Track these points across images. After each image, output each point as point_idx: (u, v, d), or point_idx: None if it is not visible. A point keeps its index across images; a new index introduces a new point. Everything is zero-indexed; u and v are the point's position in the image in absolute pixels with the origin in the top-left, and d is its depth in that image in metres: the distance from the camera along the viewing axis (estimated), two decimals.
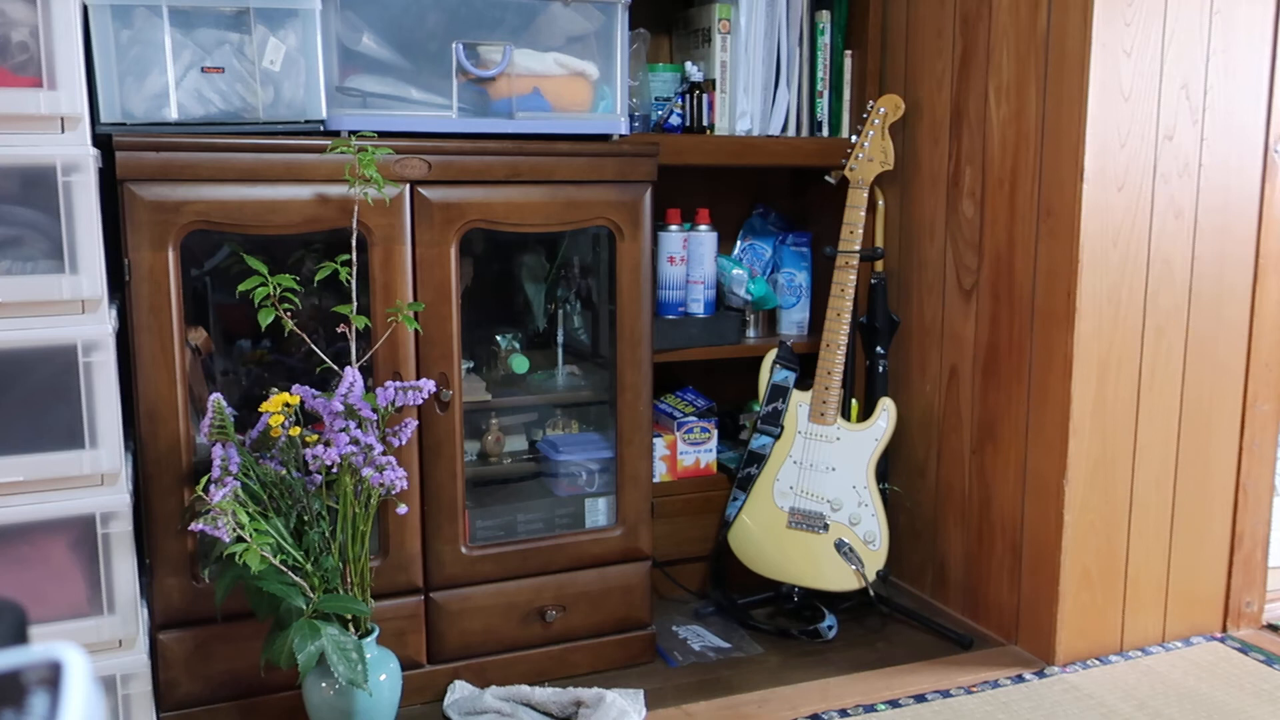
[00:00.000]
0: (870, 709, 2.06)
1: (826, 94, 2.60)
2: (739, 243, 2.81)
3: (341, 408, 1.72)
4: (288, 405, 1.73)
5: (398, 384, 1.82)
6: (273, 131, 1.87)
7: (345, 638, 1.71)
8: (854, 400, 2.60)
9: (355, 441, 1.72)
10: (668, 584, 2.55)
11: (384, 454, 1.76)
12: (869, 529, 2.39)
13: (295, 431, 1.74)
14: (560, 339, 2.42)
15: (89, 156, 1.69)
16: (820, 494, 2.41)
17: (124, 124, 1.79)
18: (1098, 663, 2.26)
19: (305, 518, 1.78)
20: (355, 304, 1.81)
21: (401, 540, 2.02)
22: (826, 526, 2.41)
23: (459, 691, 2.07)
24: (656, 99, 2.49)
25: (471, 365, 2.30)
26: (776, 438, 2.46)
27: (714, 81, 2.49)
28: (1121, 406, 2.22)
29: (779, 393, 2.47)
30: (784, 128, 2.57)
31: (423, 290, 1.97)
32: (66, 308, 1.70)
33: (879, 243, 2.63)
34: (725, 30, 2.48)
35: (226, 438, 1.73)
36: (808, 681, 2.17)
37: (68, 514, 1.74)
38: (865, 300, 2.59)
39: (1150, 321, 2.22)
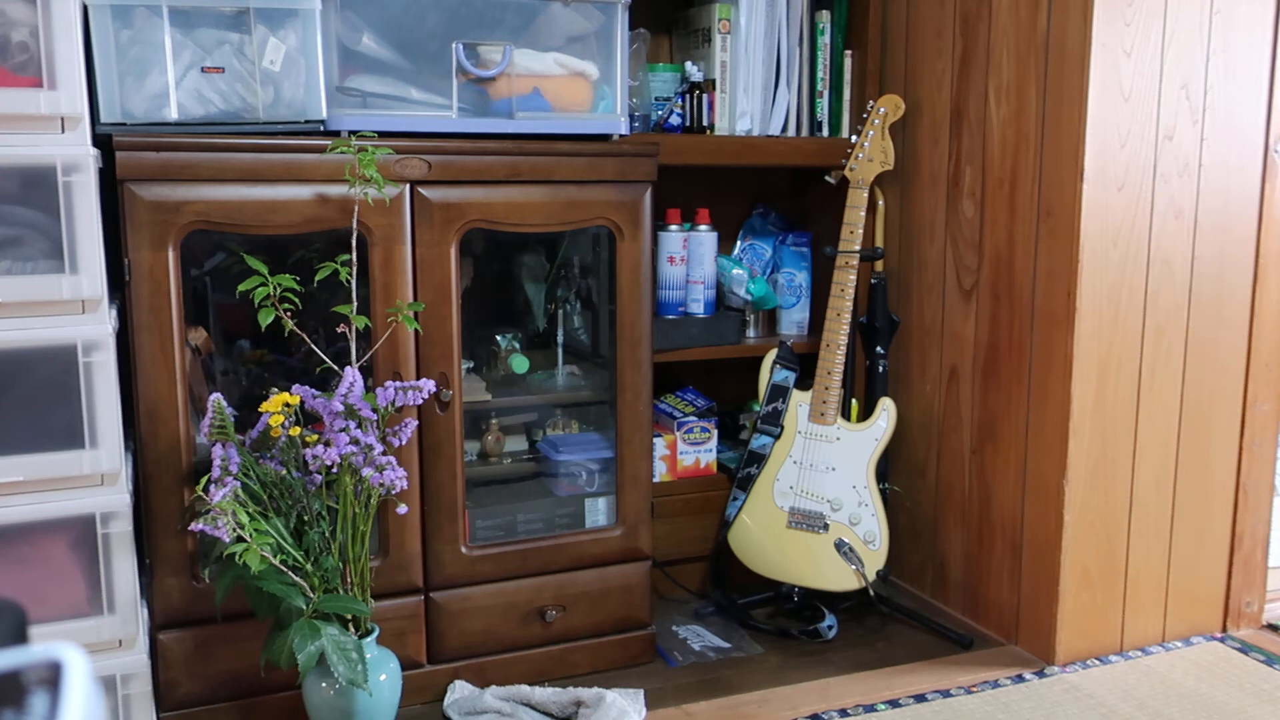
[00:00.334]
0: (870, 709, 2.06)
1: (826, 94, 2.60)
2: (739, 243, 2.81)
3: (341, 408, 1.72)
4: (288, 405, 1.73)
5: (398, 384, 1.82)
6: (273, 131, 1.87)
7: (345, 638, 1.71)
8: (854, 400, 2.60)
9: (355, 441, 1.72)
10: (668, 584, 2.55)
11: (384, 454, 1.76)
12: (869, 529, 2.39)
13: (295, 431, 1.74)
14: (560, 339, 2.42)
15: (89, 156, 1.69)
16: (820, 494, 2.42)
17: (124, 124, 1.79)
18: (1098, 663, 2.26)
19: (305, 518, 1.78)
20: (355, 304, 1.81)
21: (401, 540, 2.02)
22: (826, 526, 2.41)
23: (459, 691, 2.07)
24: (656, 99, 2.49)
25: (471, 365, 2.31)
26: (776, 438, 2.46)
27: (714, 81, 2.49)
28: (1121, 406, 2.22)
29: (779, 393, 2.47)
30: (784, 128, 2.57)
31: (423, 290, 1.97)
32: (66, 308, 1.70)
33: (879, 243, 2.63)
34: (725, 30, 2.48)
35: (226, 438, 1.73)
36: (808, 681, 2.17)
37: (68, 514, 1.74)
38: (865, 300, 2.59)
39: (1150, 321, 2.22)
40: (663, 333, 2.45)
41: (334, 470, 1.75)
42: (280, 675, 1.93)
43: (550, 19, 2.08)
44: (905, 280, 2.60)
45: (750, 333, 2.71)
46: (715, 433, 2.59)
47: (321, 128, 1.91)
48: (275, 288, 1.74)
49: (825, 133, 2.61)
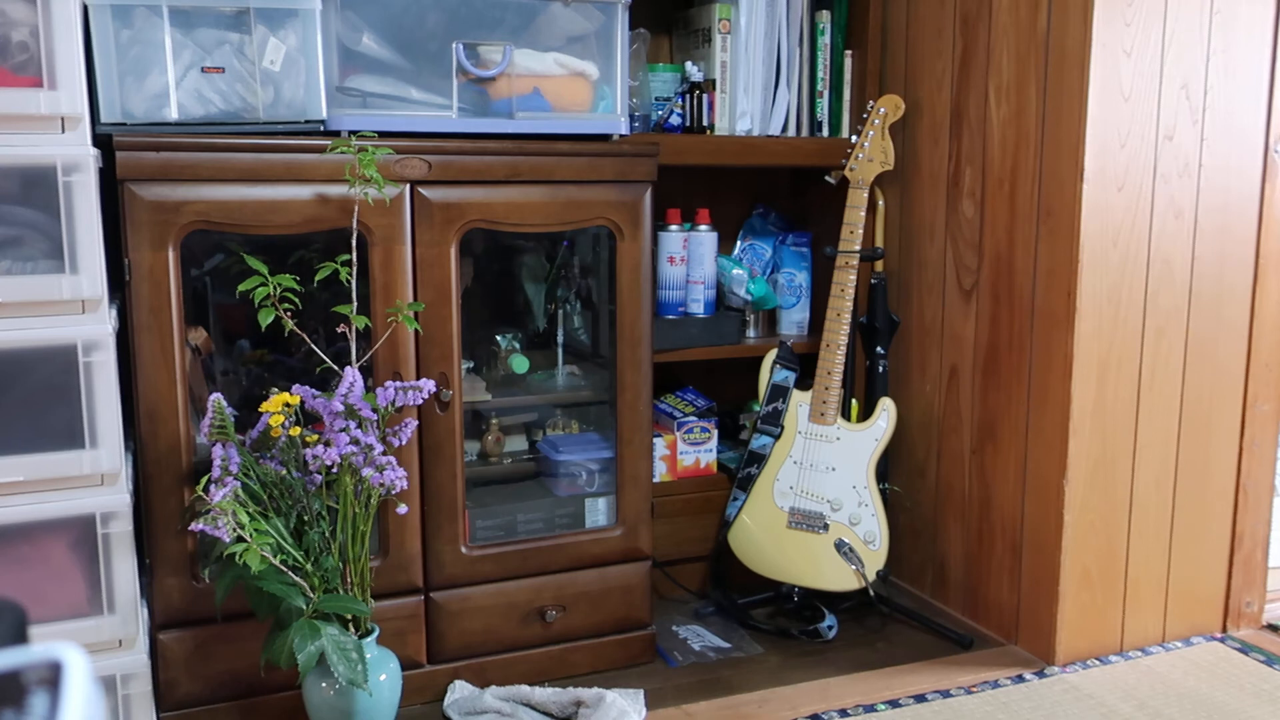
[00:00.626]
0: (870, 709, 2.06)
1: (826, 94, 2.60)
2: (739, 243, 2.81)
3: (341, 408, 1.73)
4: (288, 405, 1.73)
5: (398, 384, 1.82)
6: (273, 131, 1.87)
7: (345, 638, 1.71)
8: (854, 400, 2.60)
9: (355, 441, 1.72)
10: (668, 584, 2.55)
11: (384, 454, 1.76)
12: (869, 529, 2.39)
13: (295, 431, 1.74)
14: (560, 339, 2.42)
15: (89, 156, 1.69)
16: (820, 494, 2.41)
17: (124, 124, 1.79)
18: (1098, 663, 2.26)
19: (305, 518, 1.78)
20: (355, 304, 1.81)
21: (401, 540, 2.02)
22: (826, 526, 2.41)
23: (459, 691, 2.07)
24: (656, 99, 2.49)
25: (471, 365, 2.31)
26: (776, 438, 2.46)
27: (714, 81, 2.49)
28: (1121, 406, 2.22)
29: (779, 393, 2.47)
30: (784, 128, 2.57)
31: (423, 290, 1.97)
32: (66, 308, 1.70)
33: (879, 243, 2.63)
34: (725, 30, 2.48)
35: (226, 438, 1.73)
36: (808, 681, 2.17)
37: (68, 514, 1.74)
38: (865, 300, 2.59)
39: (1150, 322, 2.22)
40: (663, 333, 2.45)
41: (334, 470, 1.75)
42: (280, 675, 1.93)
43: (550, 19, 2.08)
44: (905, 280, 2.60)
45: (750, 333, 2.71)
46: (715, 433, 2.59)
47: (321, 128, 1.91)
48: (275, 288, 1.74)
49: (825, 133, 2.61)
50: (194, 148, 1.80)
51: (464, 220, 1.99)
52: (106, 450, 1.74)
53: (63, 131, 1.68)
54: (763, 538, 2.46)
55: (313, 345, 1.86)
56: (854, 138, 2.45)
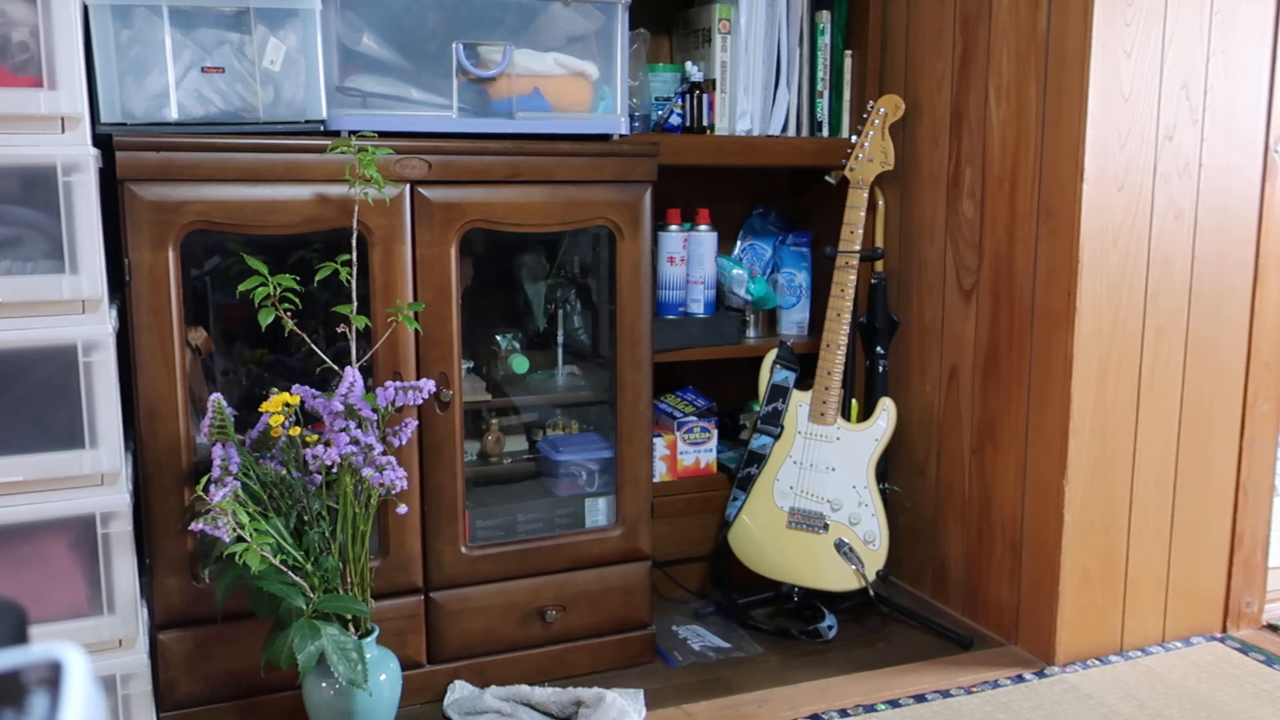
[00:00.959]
0: (870, 709, 2.06)
1: (826, 94, 2.60)
2: (739, 243, 2.81)
3: (341, 408, 1.72)
4: (288, 405, 1.73)
5: (398, 384, 1.82)
6: (273, 131, 1.87)
7: (345, 638, 1.71)
8: (854, 400, 2.60)
9: (355, 441, 1.72)
10: (668, 584, 2.55)
11: (384, 454, 1.76)
12: (869, 529, 2.39)
13: (295, 431, 1.74)
14: (560, 339, 2.42)
15: (89, 156, 1.69)
16: (820, 494, 2.41)
17: (124, 124, 1.79)
18: (1098, 663, 2.26)
19: (305, 518, 1.78)
20: (355, 304, 1.81)
21: (401, 540, 2.02)
22: (826, 526, 2.41)
23: (459, 691, 2.07)
24: (656, 99, 2.49)
25: (471, 365, 2.31)
26: (776, 438, 2.46)
27: (714, 81, 2.49)
28: (1121, 406, 2.22)
29: (779, 393, 2.47)
30: (784, 128, 2.57)
31: (423, 290, 1.97)
32: (66, 308, 1.70)
33: (879, 243, 2.63)
34: (725, 30, 2.48)
35: (226, 438, 1.73)
36: (808, 681, 2.17)
37: (68, 514, 1.74)
38: (865, 300, 2.59)
39: (1150, 322, 2.22)
40: (663, 333, 2.45)
41: (334, 470, 1.75)
42: (280, 675, 1.93)
43: (550, 19, 2.08)
44: (905, 280, 2.60)
45: (750, 333, 2.71)
46: (715, 433, 2.59)
47: (321, 128, 1.91)
48: (275, 288, 1.74)
49: (825, 133, 2.61)
50: (194, 148, 1.80)
51: (464, 220, 1.99)
52: (106, 450, 1.74)
53: (63, 131, 1.68)
54: (763, 538, 2.46)
55: (313, 345, 1.86)
56: (854, 138, 2.45)
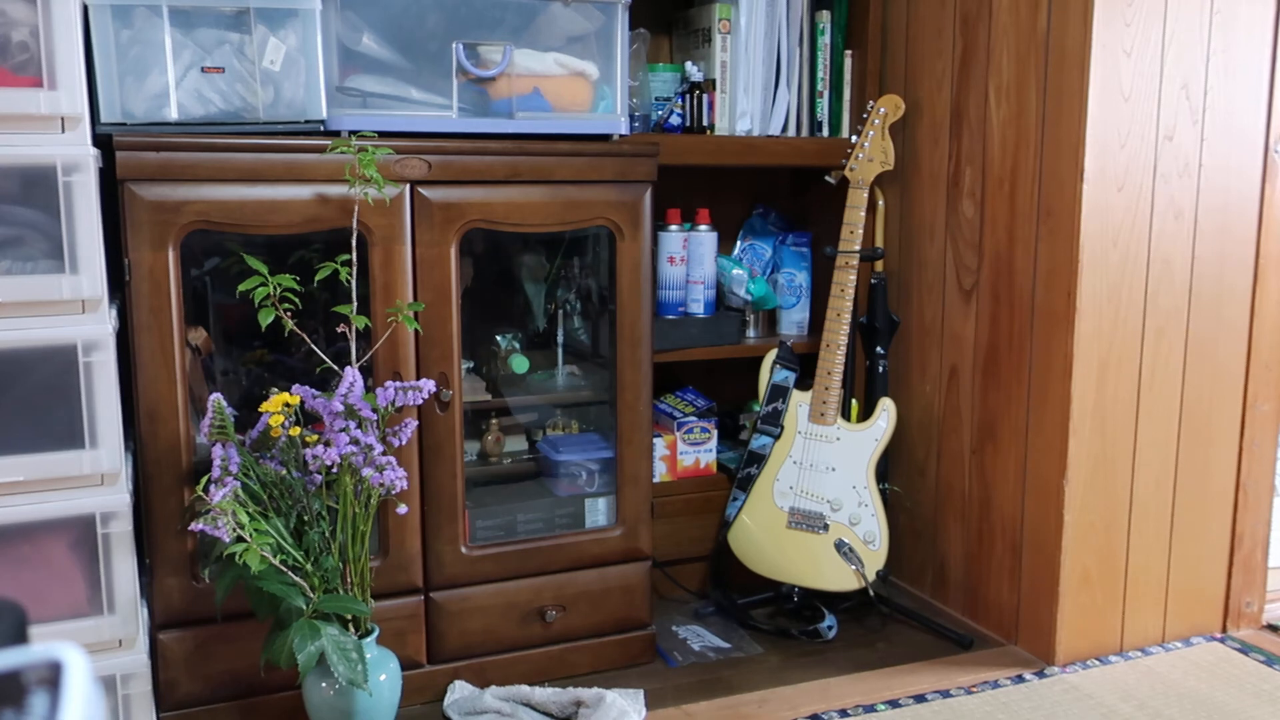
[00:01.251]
0: (870, 709, 2.06)
1: (826, 94, 2.60)
2: (739, 243, 2.81)
3: (341, 408, 1.72)
4: (288, 405, 1.73)
5: (398, 384, 1.82)
6: (273, 131, 1.87)
7: (345, 638, 1.71)
8: (854, 400, 2.60)
9: (355, 441, 1.72)
10: (668, 584, 2.55)
11: (384, 454, 1.76)
12: (869, 529, 2.39)
13: (295, 431, 1.74)
14: (560, 339, 2.42)
15: (89, 156, 1.69)
16: (820, 494, 2.41)
17: (124, 124, 1.79)
18: (1098, 663, 2.26)
19: (305, 518, 1.78)
20: (355, 304, 1.81)
21: (401, 540, 2.02)
22: (826, 526, 2.41)
23: (459, 691, 2.07)
24: (656, 99, 2.49)
25: (471, 365, 2.31)
26: (776, 438, 2.46)
27: (714, 81, 2.49)
28: (1121, 406, 2.22)
29: (779, 393, 2.47)
30: (784, 128, 2.57)
31: (423, 290, 1.97)
32: (66, 308, 1.70)
33: (879, 243, 2.63)
34: (725, 30, 2.48)
35: (226, 438, 1.73)
36: (808, 681, 2.17)
37: (68, 514, 1.74)
38: (865, 300, 2.59)
39: (1150, 322, 2.22)
40: (663, 333, 2.45)
41: (334, 470, 1.75)
42: (280, 675, 1.93)
43: (550, 19, 2.08)
44: (905, 280, 2.60)
45: (750, 333, 2.71)
46: (715, 433, 2.59)
47: (321, 128, 1.91)
48: (275, 288, 1.74)
49: (825, 133, 2.61)
50: (194, 148, 1.80)
51: (464, 220, 1.99)
52: (106, 450, 1.74)
53: (63, 131, 1.68)
54: (763, 538, 2.46)
55: (313, 345, 1.86)
56: (854, 138, 2.45)
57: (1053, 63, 2.15)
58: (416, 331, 1.98)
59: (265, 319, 1.73)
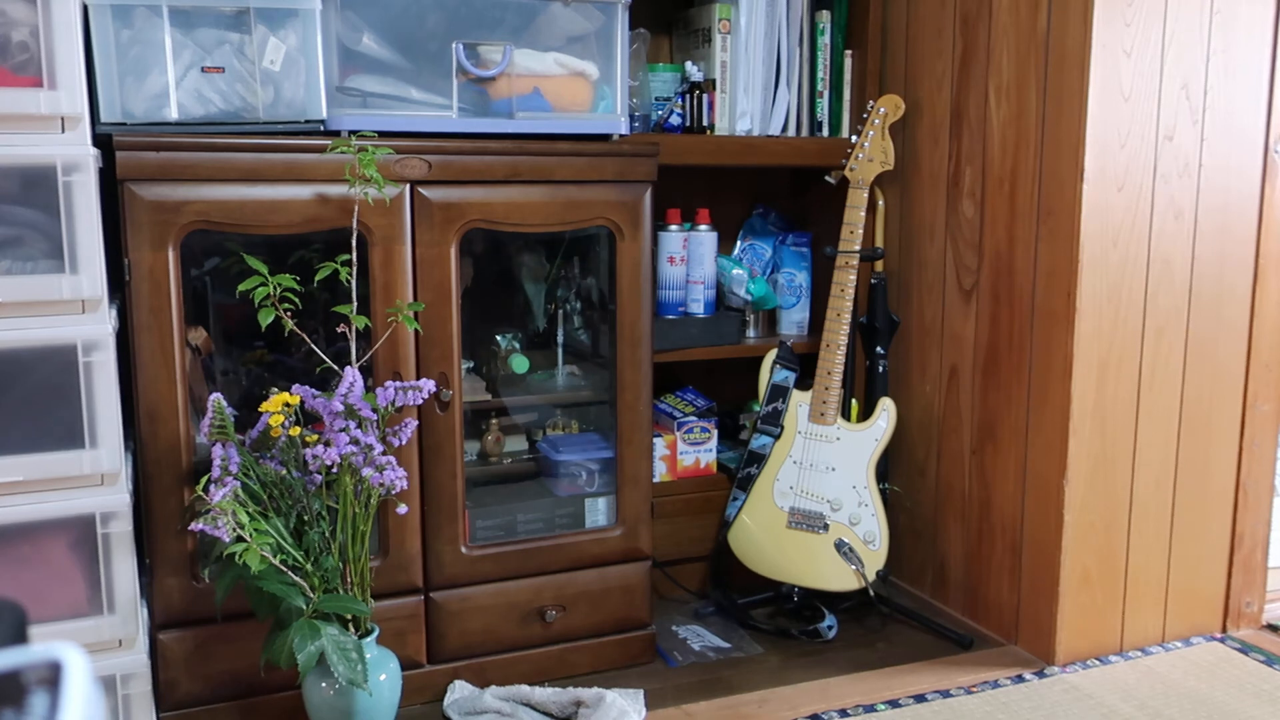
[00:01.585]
0: (870, 709, 2.06)
1: (826, 94, 2.60)
2: (739, 243, 2.81)
3: (341, 408, 1.72)
4: (288, 405, 1.73)
5: (398, 384, 1.82)
6: (273, 131, 1.87)
7: (345, 638, 1.71)
8: (854, 400, 2.60)
9: (355, 441, 1.72)
10: (668, 584, 2.55)
11: (384, 454, 1.76)
12: (869, 529, 2.39)
13: (295, 431, 1.74)
14: (560, 339, 2.42)
15: (89, 156, 1.69)
16: (820, 494, 2.41)
17: (124, 124, 1.79)
18: (1098, 663, 2.26)
19: (305, 518, 1.78)
20: (355, 304, 1.81)
21: (401, 540, 2.02)
22: (826, 526, 2.41)
23: (459, 691, 2.07)
24: (656, 99, 2.49)
25: (471, 365, 2.30)
26: (776, 438, 2.46)
27: (714, 81, 2.49)
28: (1121, 406, 2.22)
29: (779, 393, 2.47)
30: (784, 128, 2.57)
31: (423, 290, 1.97)
32: (66, 308, 1.70)
33: (879, 243, 2.63)
34: (725, 30, 2.48)
35: (226, 438, 1.73)
36: (808, 681, 2.17)
37: (68, 514, 1.74)
38: (865, 300, 2.59)
39: (1150, 322, 2.22)
40: (663, 333, 2.45)
41: (334, 470, 1.75)
42: (280, 675, 1.93)
43: (550, 19, 2.08)
44: (905, 280, 2.60)
45: (750, 333, 2.71)
46: (715, 433, 2.59)
47: (321, 128, 1.91)
48: (275, 288, 1.74)
49: (825, 133, 2.61)
50: (194, 148, 1.80)
51: (464, 220, 1.99)
52: (106, 450, 1.74)
53: (63, 131, 1.68)
54: (763, 538, 2.46)
55: (313, 345, 1.86)
56: (854, 138, 2.45)
57: (1053, 63, 2.15)
58: (416, 331, 1.98)
59: (265, 319, 1.73)
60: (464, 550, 2.08)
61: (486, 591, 2.11)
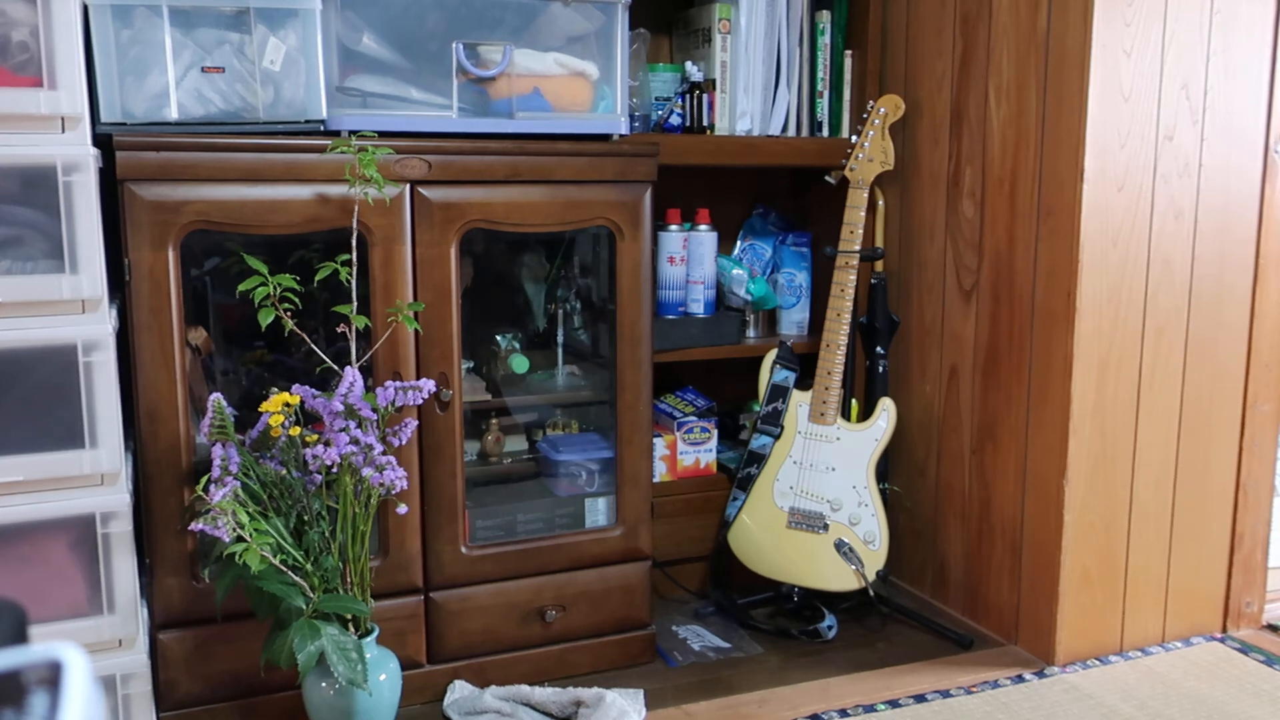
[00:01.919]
0: (870, 709, 2.06)
1: (826, 94, 2.60)
2: (739, 243, 2.81)
3: (341, 408, 1.73)
4: (288, 405, 1.73)
5: (398, 384, 1.82)
6: (273, 131, 1.87)
7: (345, 638, 1.71)
8: (854, 400, 2.60)
9: (355, 441, 1.72)
10: (668, 584, 2.55)
11: (384, 454, 1.76)
12: (869, 529, 2.39)
13: (295, 431, 1.74)
14: (560, 339, 2.42)
15: (89, 156, 1.69)
16: (820, 494, 2.41)
17: (124, 124, 1.79)
18: (1098, 663, 2.26)
19: (305, 518, 1.78)
20: (355, 304, 1.81)
21: (401, 540, 2.02)
22: (826, 526, 2.41)
23: (459, 691, 2.07)
24: (656, 99, 2.49)
25: (471, 365, 2.31)
26: (776, 438, 2.46)
27: (714, 81, 2.49)
28: (1121, 406, 2.22)
29: (779, 393, 2.47)
30: (784, 128, 2.57)
31: (423, 290, 1.97)
32: (66, 307, 1.70)
33: (879, 243, 2.63)
34: (725, 30, 2.48)
35: (226, 438, 1.73)
36: (808, 681, 2.17)
37: (68, 514, 1.74)
38: (865, 300, 2.59)
39: (1150, 322, 2.22)
40: (663, 333, 2.45)
41: (334, 470, 1.75)
42: (280, 675, 1.93)
43: (550, 19, 2.08)
44: (905, 280, 2.60)
45: (750, 333, 2.71)
46: (715, 433, 2.59)
47: (322, 128, 1.91)
48: (275, 288, 1.74)
49: (825, 133, 2.61)
50: (194, 148, 1.80)
51: (464, 220, 1.99)
52: (106, 450, 1.74)
53: (63, 131, 1.68)
54: (763, 538, 2.46)
55: (313, 345, 1.86)
56: (854, 138, 2.45)
57: (1053, 63, 2.15)
58: (416, 331, 1.98)
59: (265, 319, 1.73)
60: (464, 550, 2.08)
61: (486, 591, 2.11)
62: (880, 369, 2.58)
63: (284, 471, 1.77)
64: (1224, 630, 2.42)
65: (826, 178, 2.52)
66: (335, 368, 1.81)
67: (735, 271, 2.61)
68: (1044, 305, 2.21)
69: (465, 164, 1.98)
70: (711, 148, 2.48)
